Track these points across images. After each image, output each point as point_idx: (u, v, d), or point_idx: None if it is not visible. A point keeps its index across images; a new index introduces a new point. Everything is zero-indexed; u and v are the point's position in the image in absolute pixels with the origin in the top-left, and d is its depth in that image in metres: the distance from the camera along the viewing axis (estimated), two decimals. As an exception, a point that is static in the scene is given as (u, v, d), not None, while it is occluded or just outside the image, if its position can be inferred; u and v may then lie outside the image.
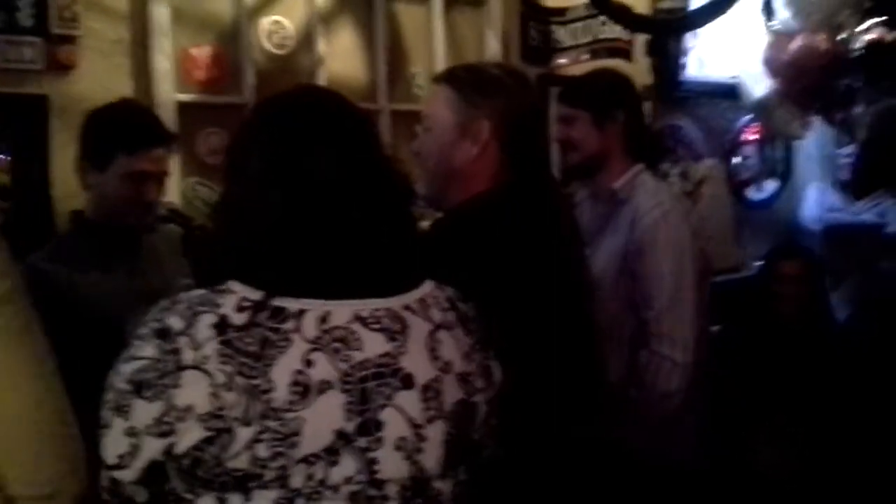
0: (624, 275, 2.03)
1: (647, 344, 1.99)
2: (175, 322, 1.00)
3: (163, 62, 2.47)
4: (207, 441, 0.97)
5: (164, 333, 1.00)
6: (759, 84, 3.66)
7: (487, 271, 1.31)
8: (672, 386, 1.95)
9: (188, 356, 0.98)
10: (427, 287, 1.14)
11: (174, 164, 2.27)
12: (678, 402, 1.96)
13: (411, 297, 1.11)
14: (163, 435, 0.97)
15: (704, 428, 2.15)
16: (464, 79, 1.53)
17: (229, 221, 1.10)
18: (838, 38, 3.45)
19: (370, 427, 1.03)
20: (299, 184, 1.05)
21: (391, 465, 1.04)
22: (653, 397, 1.96)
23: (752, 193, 4.24)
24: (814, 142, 4.07)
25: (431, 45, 3.14)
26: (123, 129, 1.83)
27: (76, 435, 1.09)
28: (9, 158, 2.29)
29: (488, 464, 1.21)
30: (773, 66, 3.56)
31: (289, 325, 1.00)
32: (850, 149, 3.91)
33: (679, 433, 2.02)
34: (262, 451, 0.97)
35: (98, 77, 2.36)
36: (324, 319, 1.02)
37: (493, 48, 3.24)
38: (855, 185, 3.91)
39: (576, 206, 2.29)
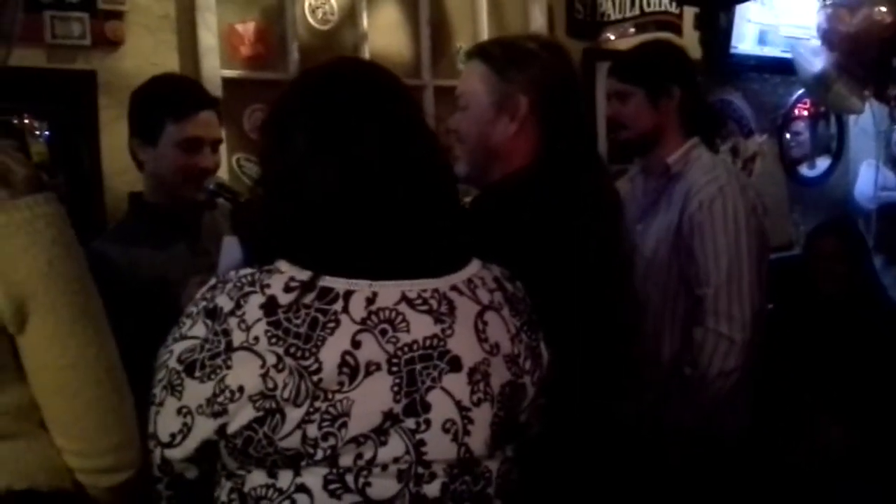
0: (678, 251, 1.99)
1: (702, 321, 1.95)
2: (224, 302, 1.01)
3: (208, 38, 2.47)
4: (259, 421, 0.97)
5: (213, 313, 1.00)
6: (814, 58, 3.56)
7: (528, 249, 1.29)
8: (729, 365, 1.91)
9: (238, 337, 0.98)
10: (474, 267, 1.13)
11: (220, 140, 2.27)
12: (734, 380, 1.92)
13: (458, 277, 1.10)
14: (215, 415, 0.98)
15: (758, 406, 2.11)
16: (497, 54, 1.50)
17: (275, 198, 1.09)
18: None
19: (418, 408, 1.02)
20: (347, 163, 1.04)
21: (438, 447, 1.03)
22: (709, 376, 1.92)
23: (805, 170, 4.14)
24: (867, 118, 3.96)
25: (475, 20, 3.11)
26: (167, 97, 1.83)
27: (133, 410, 1.10)
28: (56, 135, 2.31)
29: (535, 442, 1.20)
30: (832, 38, 3.45)
31: (337, 305, 1.00)
32: (906, 125, 3.80)
33: (732, 411, 1.98)
34: (312, 431, 0.98)
35: (145, 53, 2.37)
36: (371, 300, 1.02)
37: (538, 22, 3.19)
38: (910, 163, 3.80)
39: (630, 180, 2.25)
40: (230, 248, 1.50)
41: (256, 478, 1.02)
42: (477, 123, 1.50)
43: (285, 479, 1.00)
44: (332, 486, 1.00)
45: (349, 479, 1.00)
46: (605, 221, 1.51)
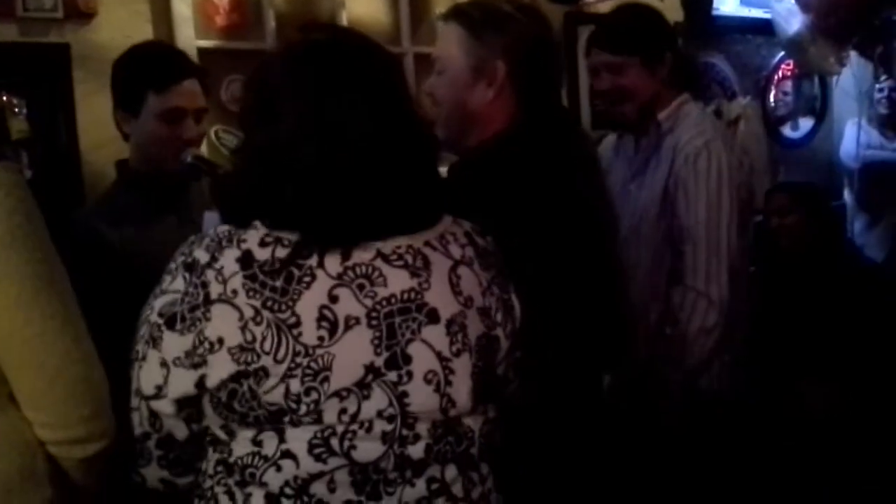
0: (665, 208, 1.98)
1: (681, 279, 1.95)
2: (201, 255, 1.02)
3: (183, 8, 2.44)
4: (242, 375, 0.98)
5: (191, 267, 1.02)
6: (791, 19, 3.54)
7: (507, 213, 1.29)
8: (709, 322, 1.91)
9: (216, 289, 0.99)
10: (445, 223, 1.14)
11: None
12: (715, 339, 1.92)
13: (431, 233, 1.11)
14: (195, 366, 0.99)
15: (742, 365, 2.11)
16: (475, 16, 1.47)
17: (256, 167, 1.09)
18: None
19: (399, 361, 1.04)
20: (330, 135, 1.04)
21: (422, 398, 1.05)
22: (689, 334, 1.92)
23: (788, 131, 4.14)
24: (850, 78, 3.95)
25: (455, -14, 3.07)
26: (149, 67, 1.79)
27: (104, 380, 1.09)
28: (32, 110, 2.29)
29: (515, 405, 1.21)
30: (805, 0, 3.44)
31: (312, 261, 1.01)
32: (887, 84, 3.78)
33: (716, 371, 1.99)
34: (295, 385, 0.99)
35: (118, 24, 2.34)
36: (346, 256, 1.03)
37: (518, -13, 3.15)
38: (893, 122, 3.79)
39: (619, 138, 2.23)
40: (212, 221, 1.50)
41: (241, 445, 1.03)
42: (454, 88, 1.48)
43: (270, 445, 1.01)
44: (317, 451, 1.01)
45: (334, 442, 1.01)
46: (585, 184, 1.51)
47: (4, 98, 2.27)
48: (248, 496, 1.03)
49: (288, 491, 1.01)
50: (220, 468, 1.06)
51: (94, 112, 2.21)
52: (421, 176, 1.11)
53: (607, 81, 2.06)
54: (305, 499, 1.01)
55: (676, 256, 1.97)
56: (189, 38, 2.44)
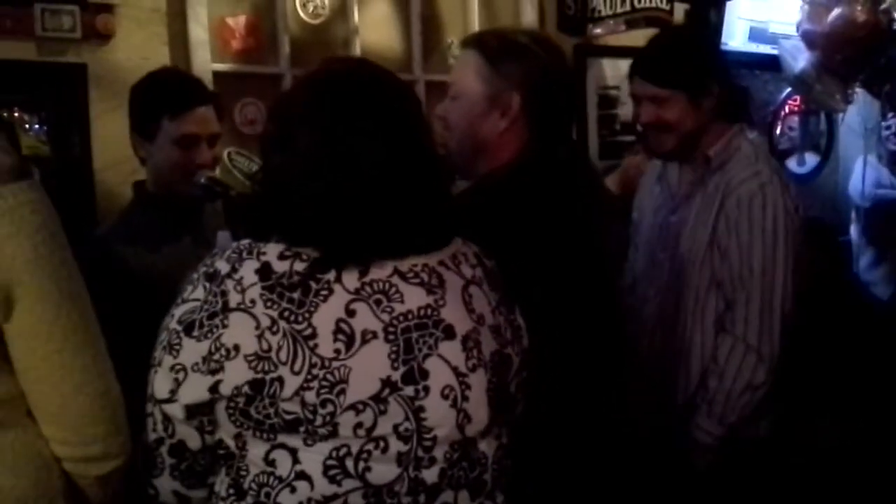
0: (712, 250, 1.87)
1: (731, 329, 1.83)
2: (222, 266, 1.04)
3: (199, 31, 2.47)
4: (259, 383, 0.99)
5: (212, 277, 1.04)
6: (798, 56, 3.57)
7: (513, 242, 1.30)
8: (758, 379, 1.80)
9: (235, 298, 1.01)
10: (457, 244, 1.17)
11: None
12: (760, 397, 1.82)
13: (445, 253, 1.13)
14: (211, 372, 1.00)
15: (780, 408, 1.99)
16: (493, 46, 1.48)
17: (274, 192, 1.11)
18: (880, 8, 3.35)
19: (416, 375, 1.04)
20: (347, 163, 1.07)
21: (438, 413, 1.05)
22: (736, 389, 1.81)
23: (794, 166, 4.15)
24: (856, 115, 3.98)
25: (466, 15, 3.12)
26: (164, 93, 1.82)
27: (121, 398, 1.10)
28: (47, 128, 2.31)
29: (524, 429, 1.21)
30: (811, 37, 3.47)
31: (329, 275, 1.03)
32: (894, 121, 3.80)
33: (757, 419, 1.89)
34: (311, 397, 1.00)
35: (135, 46, 2.36)
36: (364, 273, 1.05)
37: (529, 17, 3.20)
38: (904, 159, 3.80)
39: (662, 167, 2.10)
40: (225, 240, 1.51)
41: (255, 465, 1.03)
42: (467, 115, 1.49)
43: (284, 465, 1.02)
44: (332, 472, 1.01)
45: (349, 463, 1.01)
46: (591, 221, 1.51)
47: (16, 114, 2.29)
48: None
49: None
50: (232, 491, 1.06)
51: (109, 131, 2.24)
52: (432, 201, 1.13)
53: (651, 114, 1.94)
54: None
55: (724, 303, 1.87)
56: (205, 62, 2.47)
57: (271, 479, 1.02)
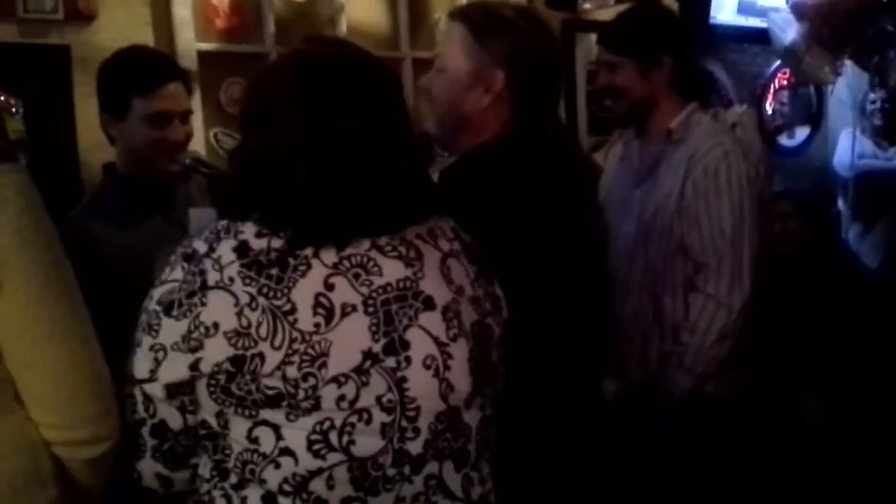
0: (678, 217, 1.98)
1: (702, 287, 1.95)
2: (200, 246, 1.05)
3: (183, 11, 2.46)
4: (240, 359, 1.00)
5: (190, 257, 1.04)
6: (787, 29, 3.56)
7: (495, 218, 1.30)
8: (726, 331, 1.93)
9: (213, 276, 1.02)
10: (434, 219, 1.17)
11: (196, 115, 2.25)
12: (728, 347, 1.94)
13: (422, 227, 1.14)
14: (191, 350, 1.01)
15: (750, 376, 2.11)
16: (480, 20, 1.47)
17: (252, 172, 1.11)
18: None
19: (397, 346, 1.05)
20: (330, 145, 1.07)
21: (421, 383, 1.06)
22: (706, 343, 1.93)
23: (784, 140, 4.15)
24: (846, 87, 3.97)
25: (453, -8, 3.09)
26: (134, 71, 1.80)
27: (109, 381, 1.10)
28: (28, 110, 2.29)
29: (508, 404, 1.22)
30: (800, 9, 3.45)
31: (307, 251, 1.04)
32: (880, 95, 3.80)
33: (727, 370, 1.99)
34: (293, 371, 1.00)
35: (119, 27, 2.35)
36: (342, 247, 1.05)
37: (516, -7, 3.17)
38: (887, 131, 3.81)
39: (624, 145, 2.22)
40: (197, 218, 1.51)
41: (238, 443, 1.03)
42: (450, 89, 1.48)
43: (268, 442, 1.02)
44: (316, 446, 1.02)
45: (333, 436, 1.02)
46: (575, 197, 1.51)
47: (2, 98, 2.28)
48: (244, 499, 1.04)
49: (286, 488, 1.02)
50: (215, 472, 1.07)
51: (93, 113, 2.21)
52: (411, 183, 1.13)
53: (604, 79, 2.09)
54: (304, 496, 1.02)
55: (695, 265, 1.98)
56: (189, 41, 2.46)
57: (255, 455, 1.03)
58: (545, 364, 1.32)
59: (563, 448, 1.41)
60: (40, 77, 2.26)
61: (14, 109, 2.31)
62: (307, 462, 1.02)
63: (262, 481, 1.03)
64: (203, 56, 2.49)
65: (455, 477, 1.10)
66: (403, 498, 1.06)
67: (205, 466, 1.09)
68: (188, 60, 2.38)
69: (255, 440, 1.03)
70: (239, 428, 1.04)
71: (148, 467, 1.11)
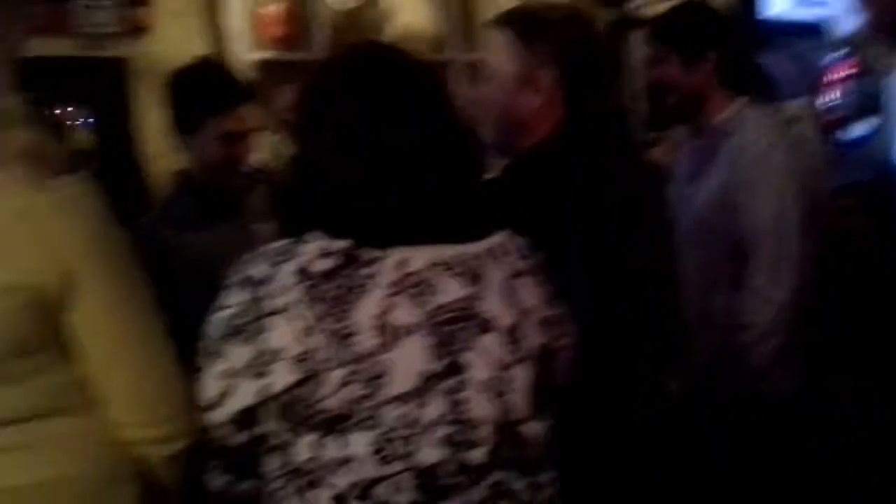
0: (726, 210, 1.93)
1: (748, 282, 1.90)
2: (260, 271, 1.03)
3: (236, 21, 2.48)
4: (300, 383, 1.00)
5: (250, 282, 1.03)
6: (848, 18, 3.48)
7: (550, 222, 1.28)
8: (772, 326, 1.86)
9: (274, 302, 1.01)
10: (500, 237, 1.14)
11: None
12: (780, 342, 1.87)
13: (485, 245, 1.11)
14: (257, 376, 1.01)
15: (811, 370, 2.04)
16: (523, 22, 1.47)
17: (307, 181, 1.11)
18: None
19: (455, 368, 1.04)
20: (376, 148, 1.06)
21: (479, 406, 1.05)
22: (752, 337, 1.87)
23: (845, 133, 4.05)
24: (908, 77, 3.86)
25: (502, -7, 3.07)
26: (207, 90, 1.82)
27: (184, 382, 1.11)
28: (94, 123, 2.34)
29: (570, 411, 1.20)
30: (861, -2, 3.38)
31: (367, 270, 1.03)
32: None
33: (783, 372, 1.92)
34: (352, 392, 1.00)
35: (173, 38, 2.39)
36: (401, 266, 1.04)
37: (566, -8, 3.14)
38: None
39: (680, 144, 2.20)
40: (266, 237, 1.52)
41: (305, 449, 1.03)
42: (502, 94, 1.48)
43: (333, 448, 1.02)
44: (380, 454, 1.01)
45: (397, 445, 1.02)
46: (631, 191, 1.49)
47: (68, 110, 2.33)
48: (317, 497, 1.03)
49: (355, 492, 1.02)
50: (285, 470, 1.06)
51: (155, 122, 2.25)
52: (464, 183, 1.13)
53: (654, 73, 2.08)
54: (371, 500, 1.02)
55: (741, 260, 1.92)
56: (242, 51, 2.48)
57: (321, 461, 1.02)
58: (601, 369, 1.30)
59: (620, 448, 1.39)
60: (99, 90, 2.31)
61: (79, 121, 2.36)
62: (372, 468, 1.01)
63: (331, 485, 1.02)
64: (258, 65, 2.51)
65: (520, 484, 1.09)
66: (470, 502, 1.05)
67: (273, 463, 1.08)
68: (242, 69, 2.40)
69: (321, 446, 1.02)
70: (307, 438, 1.03)
71: (215, 480, 1.12)
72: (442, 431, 1.03)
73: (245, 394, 1.02)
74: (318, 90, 1.14)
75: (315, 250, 1.03)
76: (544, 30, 1.45)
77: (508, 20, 1.50)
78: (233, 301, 1.04)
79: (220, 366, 1.03)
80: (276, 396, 1.01)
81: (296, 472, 1.04)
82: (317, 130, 1.10)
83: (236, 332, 1.02)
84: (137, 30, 2.34)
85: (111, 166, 2.31)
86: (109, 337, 1.07)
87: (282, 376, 1.00)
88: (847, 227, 2.92)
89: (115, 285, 1.08)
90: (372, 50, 1.21)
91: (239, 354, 1.01)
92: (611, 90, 1.59)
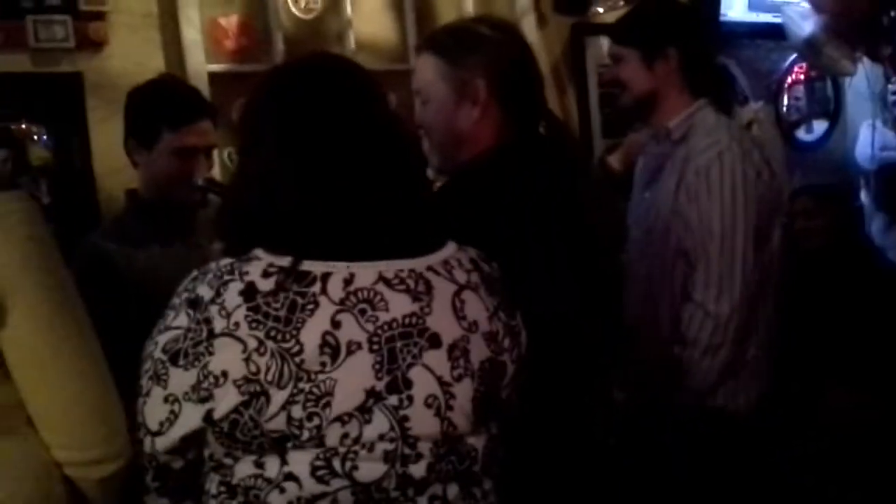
0: (675, 220, 1.90)
1: (691, 296, 1.86)
2: (205, 291, 1.03)
3: (192, 33, 2.48)
4: (244, 405, 0.99)
5: (195, 303, 1.02)
6: (804, 22, 3.53)
7: (492, 230, 1.29)
8: (715, 341, 1.83)
9: (220, 324, 1.00)
10: (450, 249, 1.14)
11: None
12: (724, 357, 1.84)
13: (435, 258, 1.11)
14: (202, 401, 1.00)
15: (770, 380, 1.99)
16: (446, 42, 1.49)
17: (248, 192, 1.11)
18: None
19: (400, 385, 1.04)
20: (312, 153, 1.06)
21: (422, 422, 1.05)
22: (696, 353, 1.84)
23: (802, 134, 4.11)
24: (864, 79, 3.92)
25: (461, 4, 3.09)
26: (166, 105, 1.84)
27: (118, 401, 1.11)
28: (48, 138, 2.33)
29: (520, 421, 1.21)
30: (819, 1, 3.42)
31: (315, 287, 1.02)
32: (899, 85, 3.75)
33: (739, 384, 1.89)
34: (297, 412, 0.99)
35: (129, 52, 2.38)
36: (349, 282, 1.04)
37: (523, 1, 3.17)
38: (908, 123, 3.76)
39: (637, 147, 2.22)
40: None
41: (244, 468, 1.04)
42: (440, 115, 1.49)
43: (272, 467, 1.02)
44: (319, 472, 1.01)
45: (336, 463, 1.01)
46: (572, 198, 1.50)
47: (24, 126, 2.32)
48: None
49: None
50: (223, 489, 1.06)
51: (108, 138, 2.24)
52: (408, 187, 1.13)
53: (610, 71, 2.08)
54: None
55: (689, 270, 1.89)
56: (199, 63, 2.49)
57: (259, 480, 1.03)
58: (542, 370, 1.31)
59: (563, 462, 1.39)
60: (54, 105, 2.30)
61: (36, 137, 2.36)
62: (311, 487, 1.01)
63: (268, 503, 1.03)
64: (214, 77, 2.51)
65: (459, 497, 1.10)
66: None
67: (211, 482, 1.08)
68: (199, 82, 2.40)
69: (260, 465, 1.03)
70: (246, 459, 1.04)
71: (153, 502, 1.12)
72: (384, 447, 1.03)
73: (189, 419, 1.01)
74: (257, 103, 1.15)
75: (259, 268, 1.02)
76: (469, 44, 1.47)
77: (432, 43, 1.53)
78: (177, 323, 1.03)
79: (164, 390, 1.02)
80: (220, 420, 1.00)
81: (232, 491, 1.04)
82: (256, 143, 1.10)
83: (181, 354, 1.01)
84: (93, 44, 2.33)
85: (64, 181, 2.30)
86: (38, 358, 1.05)
87: (226, 400, 0.99)
88: (806, 227, 2.97)
89: (46, 307, 1.06)
90: (314, 61, 1.21)
91: (183, 378, 1.00)
92: (542, 94, 1.59)
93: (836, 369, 2.72)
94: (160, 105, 1.85)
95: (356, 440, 1.02)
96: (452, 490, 1.09)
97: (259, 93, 1.16)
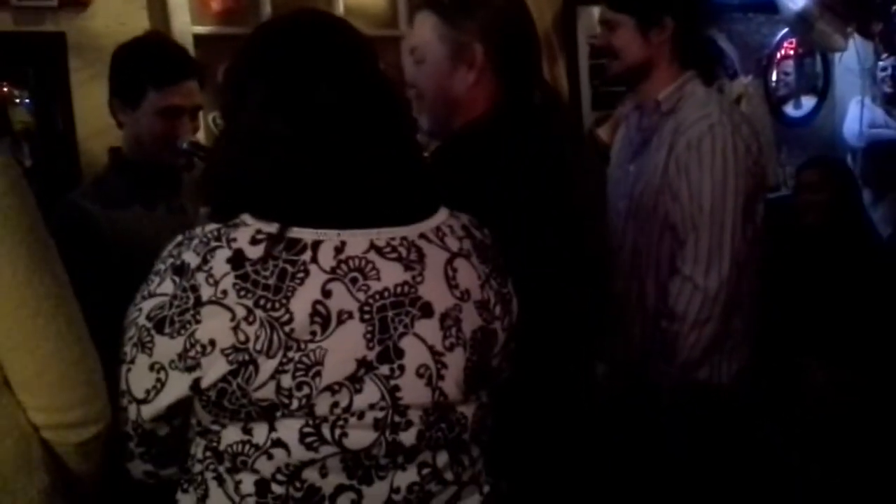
0: (664, 193, 1.89)
1: (679, 269, 1.85)
2: (191, 258, 1.00)
3: (177, -6, 2.43)
4: (232, 373, 0.98)
5: (181, 270, 1.00)
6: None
7: (487, 196, 1.27)
8: (703, 315, 1.82)
9: (207, 292, 0.98)
10: (442, 215, 1.13)
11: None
12: (711, 331, 1.83)
13: (427, 225, 1.10)
14: (189, 369, 0.98)
15: (750, 354, 1.98)
16: (447, 2, 1.46)
17: (236, 154, 1.08)
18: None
19: (391, 355, 1.03)
20: (300, 111, 1.03)
21: (413, 392, 1.04)
22: (684, 327, 1.83)
23: (791, 110, 4.11)
24: (853, 55, 3.92)
25: (452, -33, 3.04)
26: (152, 63, 1.80)
27: (98, 364, 1.08)
28: (31, 100, 2.29)
29: (508, 389, 1.21)
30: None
31: (305, 256, 1.00)
32: (890, 62, 3.75)
33: (724, 357, 1.89)
34: (287, 381, 0.98)
35: (113, 12, 2.33)
36: (340, 250, 1.02)
37: (516, -33, 3.13)
38: (896, 99, 3.77)
39: (625, 118, 2.16)
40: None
41: (231, 434, 1.02)
42: (435, 76, 1.47)
43: (261, 434, 1.01)
44: (308, 439, 1.00)
45: (325, 430, 1.01)
46: (563, 165, 1.49)
47: (6, 89, 2.28)
48: (238, 482, 1.03)
49: (280, 477, 1.01)
50: (209, 454, 1.05)
51: (91, 100, 2.21)
52: (400, 151, 1.10)
53: (603, 37, 2.01)
54: (297, 484, 1.01)
55: (678, 244, 1.88)
56: (185, 24, 2.44)
57: (247, 447, 1.02)
58: (536, 344, 1.31)
59: (553, 426, 1.39)
60: (36, 65, 2.25)
61: (18, 99, 2.31)
62: (299, 453, 1.01)
63: (255, 470, 1.02)
64: (199, 39, 2.47)
65: (449, 464, 1.09)
66: (398, 487, 1.05)
67: (197, 447, 1.08)
68: (184, 44, 2.35)
69: (248, 431, 1.02)
70: (231, 427, 1.03)
71: (136, 467, 1.11)
72: (374, 415, 1.02)
73: (175, 388, 0.99)
74: (242, 60, 1.11)
75: (247, 235, 0.99)
76: (468, 6, 1.44)
77: (432, 2, 1.49)
78: (162, 289, 1.00)
79: (149, 358, 1.00)
80: (207, 389, 0.99)
81: (219, 457, 1.03)
82: (241, 102, 1.07)
83: (167, 322, 0.99)
84: (77, 3, 2.28)
85: (46, 143, 2.26)
86: (14, 317, 1.03)
87: (214, 369, 0.97)
88: (810, 201, 2.96)
89: (23, 265, 1.03)
90: (301, 17, 1.17)
91: (170, 346, 0.98)
92: (539, 59, 1.57)
93: (815, 345, 2.74)
94: (146, 63, 1.80)
95: (346, 409, 1.01)
96: (442, 457, 1.09)
97: (244, 50, 1.12)
